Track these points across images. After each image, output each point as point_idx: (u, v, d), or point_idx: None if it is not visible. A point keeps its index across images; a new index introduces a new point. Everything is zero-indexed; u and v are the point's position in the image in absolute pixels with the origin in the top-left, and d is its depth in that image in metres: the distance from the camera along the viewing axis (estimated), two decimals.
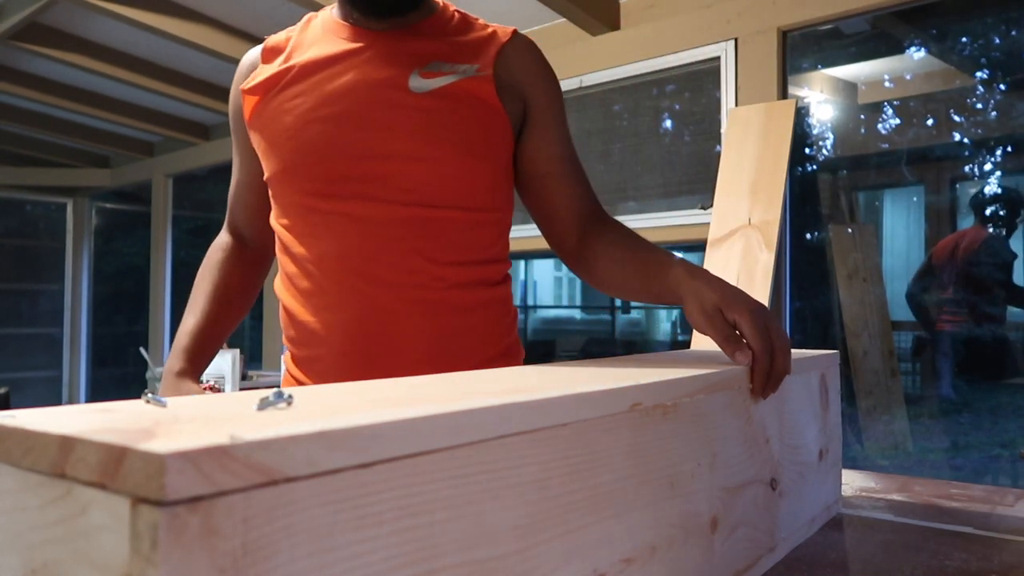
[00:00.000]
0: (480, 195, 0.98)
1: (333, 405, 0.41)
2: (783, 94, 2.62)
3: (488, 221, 1.00)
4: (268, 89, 0.98)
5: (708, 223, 2.59)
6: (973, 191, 3.29)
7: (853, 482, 1.10)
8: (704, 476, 0.61)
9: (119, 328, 6.50)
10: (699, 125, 2.85)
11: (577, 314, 9.64)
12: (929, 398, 3.36)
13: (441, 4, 1.03)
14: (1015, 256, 3.16)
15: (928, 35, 3.15)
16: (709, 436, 0.63)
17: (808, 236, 3.14)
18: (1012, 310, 3.22)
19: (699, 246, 2.68)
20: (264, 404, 0.40)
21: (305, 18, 1.04)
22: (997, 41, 3.13)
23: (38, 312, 6.39)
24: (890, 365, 3.05)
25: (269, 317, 4.60)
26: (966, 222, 3.34)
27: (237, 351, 3.51)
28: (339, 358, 0.95)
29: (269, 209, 1.04)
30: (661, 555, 0.56)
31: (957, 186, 3.44)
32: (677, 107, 2.94)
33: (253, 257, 1.13)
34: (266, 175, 1.00)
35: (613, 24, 3.02)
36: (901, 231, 4.17)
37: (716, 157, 2.71)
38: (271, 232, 1.05)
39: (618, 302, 6.90)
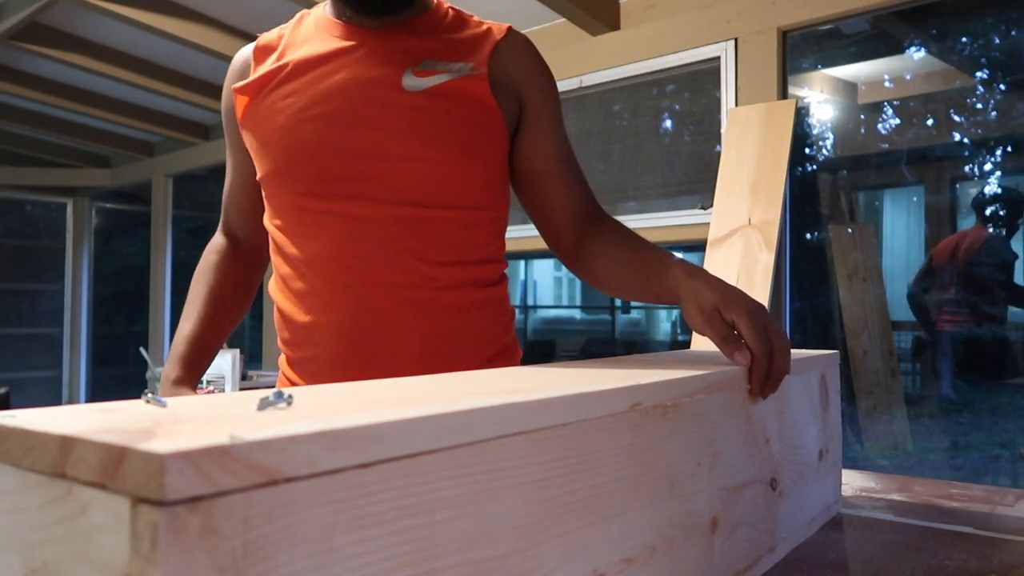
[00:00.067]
0: (475, 194, 0.97)
1: (333, 405, 0.41)
2: (783, 94, 2.62)
3: (483, 220, 0.99)
4: (260, 88, 0.96)
5: (708, 223, 2.59)
6: (973, 191, 3.29)
7: (853, 482, 1.10)
8: (704, 476, 0.61)
9: (119, 328, 6.50)
10: (699, 125, 2.85)
11: (577, 314, 9.65)
12: (929, 398, 3.36)
13: (435, 1, 1.02)
14: (1016, 256, 3.16)
15: (928, 35, 3.15)
16: (709, 436, 0.63)
17: (808, 236, 3.14)
18: (1012, 310, 3.22)
19: (699, 246, 2.68)
20: (264, 404, 0.40)
21: (298, 16, 1.02)
22: (997, 41, 3.13)
23: (38, 312, 6.39)
24: (890, 365, 3.05)
25: (269, 317, 4.60)
26: (966, 222, 3.34)
27: (237, 351, 3.50)
28: (333, 358, 0.95)
29: (263, 210, 1.03)
30: (661, 555, 0.56)
31: (957, 186, 3.44)
32: (677, 107, 2.94)
33: (248, 258, 1.12)
34: (259, 175, 0.99)
35: (613, 24, 3.02)
36: (901, 231, 4.17)
37: (716, 157, 2.71)
38: (266, 233, 1.04)
39: (618, 302, 6.91)
